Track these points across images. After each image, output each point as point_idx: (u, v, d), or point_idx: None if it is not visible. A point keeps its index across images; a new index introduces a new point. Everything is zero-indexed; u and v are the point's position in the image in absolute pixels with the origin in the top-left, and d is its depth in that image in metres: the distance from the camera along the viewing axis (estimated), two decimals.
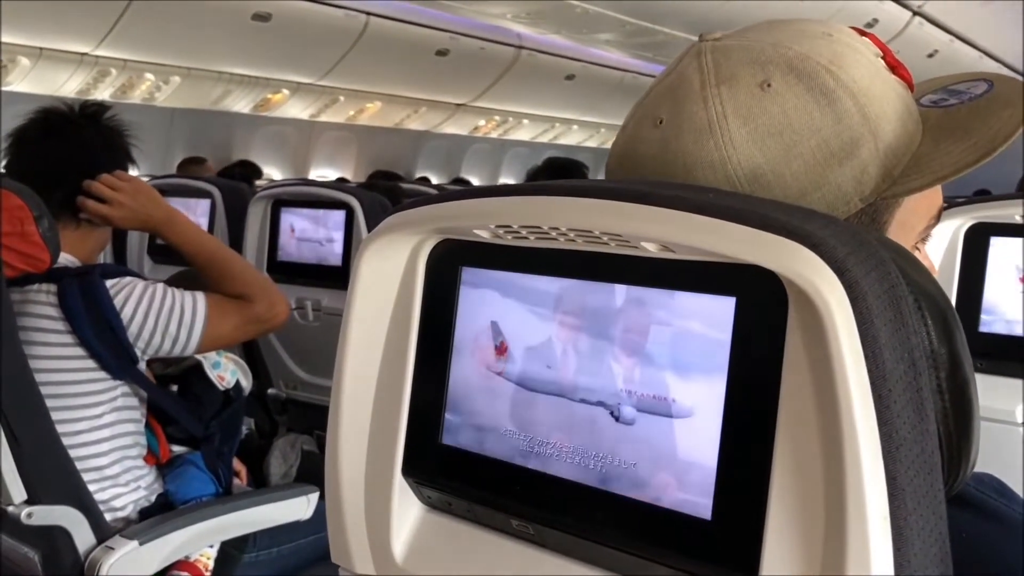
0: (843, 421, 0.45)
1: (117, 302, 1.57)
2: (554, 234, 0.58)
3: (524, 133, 11.18)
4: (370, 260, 0.66)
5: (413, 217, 0.65)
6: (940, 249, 1.29)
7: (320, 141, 9.05)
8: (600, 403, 0.56)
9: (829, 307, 0.46)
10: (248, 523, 1.71)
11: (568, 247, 0.59)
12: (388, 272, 0.67)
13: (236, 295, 1.70)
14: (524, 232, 0.59)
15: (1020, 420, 1.24)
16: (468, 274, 0.65)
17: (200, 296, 1.65)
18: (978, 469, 1.17)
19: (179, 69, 6.34)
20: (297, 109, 8.29)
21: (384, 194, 2.56)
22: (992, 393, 1.26)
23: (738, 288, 0.51)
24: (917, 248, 0.70)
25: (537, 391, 0.59)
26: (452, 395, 0.64)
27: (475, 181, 10.33)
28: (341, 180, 8.19)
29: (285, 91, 7.79)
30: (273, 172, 8.49)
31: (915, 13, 6.07)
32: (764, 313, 0.50)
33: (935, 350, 0.51)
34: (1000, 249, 1.25)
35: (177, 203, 2.84)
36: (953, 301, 1.29)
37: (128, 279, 1.61)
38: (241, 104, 7.72)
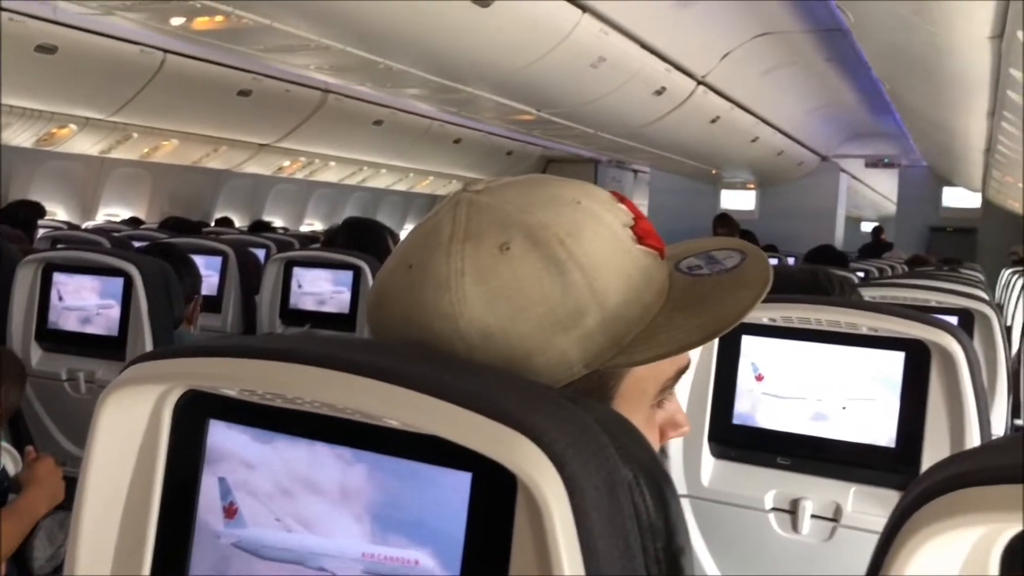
0: None
1: None
2: (299, 401, 0.58)
3: (331, 175, 11.07)
4: (110, 412, 0.63)
5: (157, 370, 0.63)
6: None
7: (111, 178, 8.58)
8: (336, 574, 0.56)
9: (547, 501, 0.48)
10: None
11: (315, 411, 0.59)
12: (130, 424, 0.64)
13: None
14: (270, 396, 0.59)
15: (768, 507, 1.34)
16: (215, 428, 0.63)
17: None
18: (732, 554, 1.25)
19: None
20: (86, 144, 7.82)
21: (165, 255, 2.44)
22: (744, 481, 1.36)
23: (476, 464, 0.53)
24: (658, 406, 0.72)
25: (272, 559, 0.59)
26: (195, 559, 0.62)
27: (279, 222, 10.11)
28: (133, 219, 7.79)
29: (72, 126, 7.33)
30: (58, 210, 7.94)
31: (699, 83, 6.53)
32: (498, 491, 0.52)
33: (652, 523, 0.54)
34: (748, 347, 1.36)
35: None
36: (710, 394, 1.39)
37: None
38: (22, 138, 7.19)
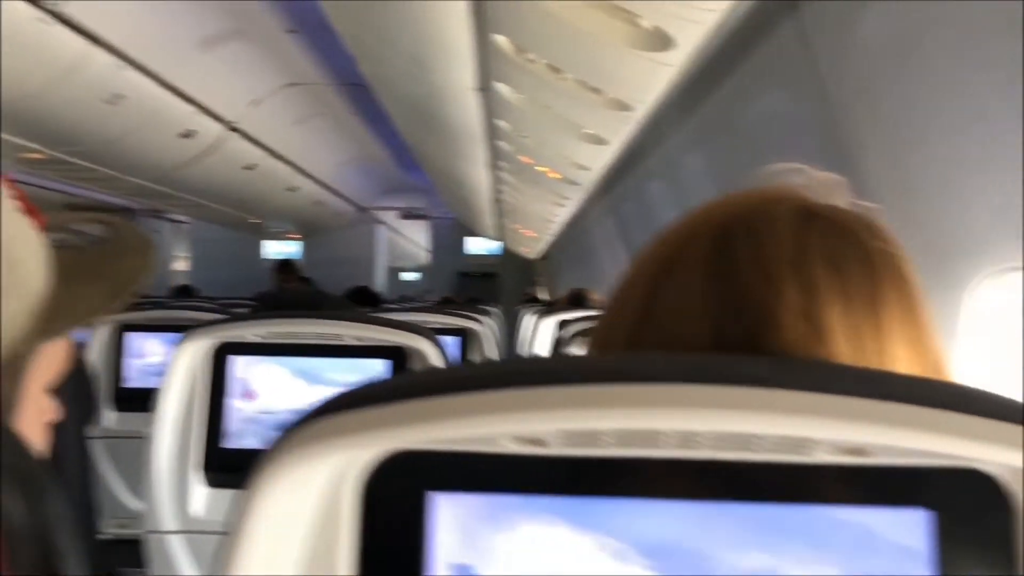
0: None
1: None
2: None
3: None
4: None
5: None
6: (185, 369, 1.31)
7: None
8: None
9: None
10: None
11: None
12: None
13: None
14: None
15: None
16: None
17: None
18: None
19: None
20: None
21: None
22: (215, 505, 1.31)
23: None
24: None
25: None
26: None
27: None
28: None
29: None
30: None
31: (230, 128, 6.43)
32: None
33: (23, 523, 0.49)
34: (236, 367, 1.32)
35: None
36: (196, 421, 1.33)
37: None
38: None
